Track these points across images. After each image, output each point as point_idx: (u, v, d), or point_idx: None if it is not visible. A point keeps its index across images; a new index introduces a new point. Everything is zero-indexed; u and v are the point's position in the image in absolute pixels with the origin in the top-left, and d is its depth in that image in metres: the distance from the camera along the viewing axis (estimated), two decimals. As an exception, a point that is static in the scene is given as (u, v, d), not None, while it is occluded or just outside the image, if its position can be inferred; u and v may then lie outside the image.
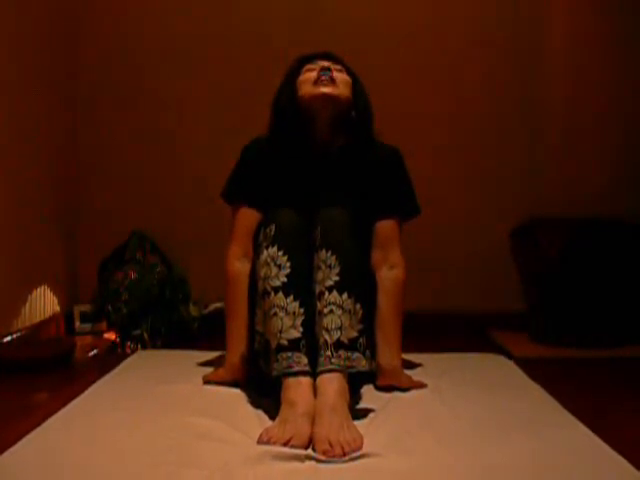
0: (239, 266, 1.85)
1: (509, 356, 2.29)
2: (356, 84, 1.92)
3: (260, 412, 1.61)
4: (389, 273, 1.86)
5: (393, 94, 2.81)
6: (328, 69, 1.85)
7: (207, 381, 1.86)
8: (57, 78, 2.74)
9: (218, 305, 2.48)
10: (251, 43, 2.88)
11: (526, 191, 2.90)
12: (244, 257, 1.85)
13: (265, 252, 1.66)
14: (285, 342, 1.55)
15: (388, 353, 1.80)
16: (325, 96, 1.84)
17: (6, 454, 1.32)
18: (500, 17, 2.91)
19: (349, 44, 2.74)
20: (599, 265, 2.56)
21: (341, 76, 1.88)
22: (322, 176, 1.88)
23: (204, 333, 2.52)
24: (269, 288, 1.62)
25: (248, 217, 1.89)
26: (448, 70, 2.90)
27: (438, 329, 2.70)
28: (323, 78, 1.84)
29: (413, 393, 1.76)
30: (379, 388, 1.80)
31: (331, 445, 1.33)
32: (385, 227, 1.90)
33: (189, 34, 2.91)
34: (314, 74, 1.86)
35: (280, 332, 1.56)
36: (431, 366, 2.05)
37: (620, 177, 2.87)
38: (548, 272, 2.62)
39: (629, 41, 2.88)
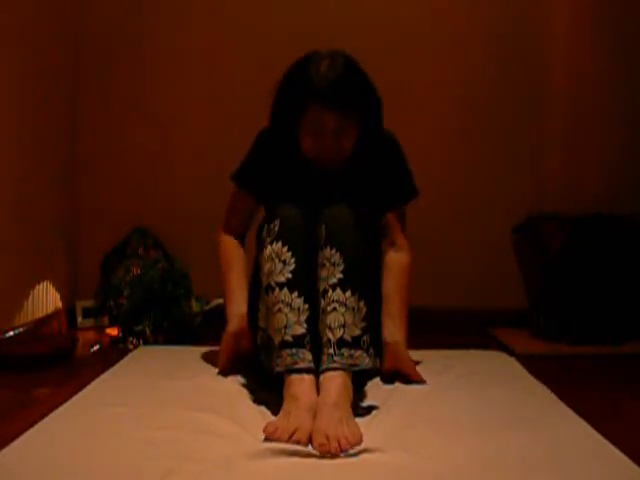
0: (229, 237, 1.97)
1: (510, 353, 2.29)
2: (368, 102, 1.78)
3: (261, 407, 1.61)
4: (395, 255, 1.88)
5: (392, 93, 2.80)
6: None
7: (221, 370, 1.87)
8: (57, 77, 2.74)
9: (220, 301, 2.48)
10: (254, 36, 2.87)
11: (527, 189, 2.89)
12: (234, 230, 1.97)
13: (269, 247, 1.65)
14: (290, 338, 1.54)
15: (391, 326, 1.80)
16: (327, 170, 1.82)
17: (7, 449, 1.32)
18: (502, 14, 2.91)
19: (351, 36, 2.76)
20: (601, 261, 2.56)
21: (345, 145, 1.76)
22: (327, 173, 1.86)
23: (206, 329, 2.52)
24: (273, 283, 1.61)
25: (247, 201, 1.94)
26: (449, 69, 2.90)
27: (439, 326, 2.69)
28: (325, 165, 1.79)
29: (414, 389, 1.76)
30: (384, 375, 1.80)
31: (328, 439, 1.33)
32: (390, 214, 1.91)
33: (191, 30, 2.90)
34: (317, 154, 1.77)
35: (285, 328, 1.56)
36: (432, 362, 2.05)
37: (621, 174, 2.87)
38: (550, 267, 2.62)
39: (631, 40, 2.88)
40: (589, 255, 2.56)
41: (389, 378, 1.81)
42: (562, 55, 2.89)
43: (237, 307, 1.85)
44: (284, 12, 2.88)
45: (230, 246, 1.97)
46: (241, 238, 1.99)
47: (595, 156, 2.89)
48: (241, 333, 1.83)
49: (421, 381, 1.81)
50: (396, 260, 1.87)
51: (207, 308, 2.58)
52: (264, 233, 1.71)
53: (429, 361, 2.05)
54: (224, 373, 1.86)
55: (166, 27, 2.91)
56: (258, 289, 1.73)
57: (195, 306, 2.56)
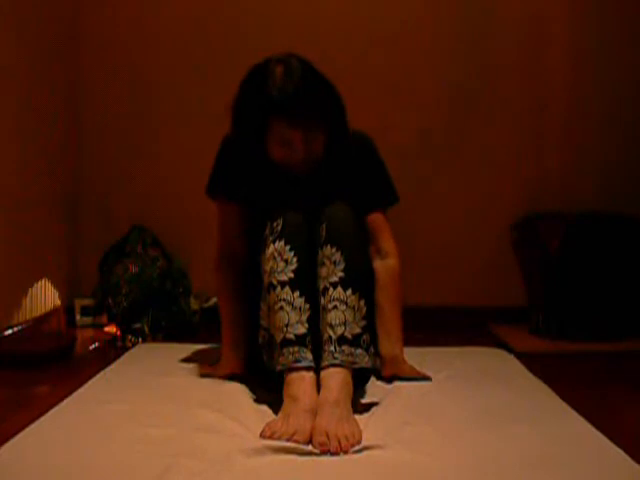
0: (224, 271, 1.89)
1: (510, 350, 2.29)
2: (330, 105, 1.73)
3: (261, 405, 1.61)
4: (382, 263, 1.85)
5: (391, 91, 2.81)
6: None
7: (204, 374, 1.86)
8: (58, 76, 2.74)
9: (219, 299, 2.48)
10: (255, 36, 2.86)
11: (526, 187, 2.90)
12: (230, 257, 1.88)
13: (272, 246, 1.64)
14: (292, 336, 1.54)
15: (387, 343, 1.79)
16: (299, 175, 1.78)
17: (6, 447, 1.32)
18: (502, 14, 2.90)
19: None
20: (600, 259, 2.56)
21: (315, 149, 1.72)
22: (298, 177, 1.78)
23: (205, 326, 2.52)
24: (275, 282, 1.60)
25: (233, 214, 1.87)
26: (449, 68, 2.89)
27: (439, 323, 2.70)
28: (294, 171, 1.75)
29: (414, 386, 1.76)
30: (383, 378, 1.80)
31: (328, 438, 1.33)
32: (372, 219, 1.87)
33: (191, 30, 2.90)
34: (287, 163, 1.72)
35: (286, 326, 1.55)
36: (432, 360, 2.05)
37: (620, 173, 2.87)
38: (549, 265, 2.62)
39: (631, 39, 2.88)
40: (588, 253, 2.56)
41: (389, 380, 1.81)
42: (562, 55, 2.89)
43: (228, 350, 1.85)
44: (284, 13, 2.88)
45: (225, 284, 1.89)
46: (239, 261, 1.87)
47: (594, 155, 2.89)
48: (231, 373, 1.83)
49: (425, 377, 1.82)
50: (384, 269, 1.84)
51: (206, 306, 2.58)
52: (266, 232, 1.69)
53: (428, 358, 2.05)
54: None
55: (167, 27, 2.91)
56: (259, 287, 1.72)
57: (194, 303, 2.56)
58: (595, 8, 2.89)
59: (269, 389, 1.65)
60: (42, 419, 1.49)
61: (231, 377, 1.81)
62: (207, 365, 1.93)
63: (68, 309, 2.75)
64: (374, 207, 1.88)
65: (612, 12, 2.88)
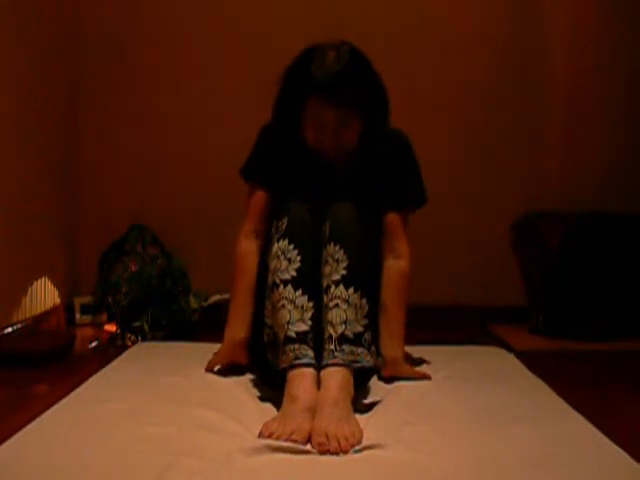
0: (247, 245, 1.84)
1: (509, 349, 2.29)
2: (371, 96, 1.77)
3: (263, 403, 1.61)
4: (394, 263, 1.83)
5: (392, 89, 2.80)
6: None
7: (209, 368, 1.86)
8: (58, 76, 2.74)
9: (219, 297, 2.48)
10: (254, 36, 2.86)
11: (526, 187, 2.90)
12: (254, 235, 1.84)
13: (276, 245, 1.65)
14: (293, 334, 1.54)
15: (390, 344, 1.78)
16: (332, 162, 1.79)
17: (5, 446, 1.32)
18: (503, 14, 2.90)
19: (356, 33, 2.75)
20: (599, 258, 2.56)
21: (348, 138, 1.75)
22: (335, 169, 1.82)
23: (204, 325, 2.51)
24: (278, 281, 1.61)
25: (262, 198, 1.86)
26: (448, 69, 2.89)
27: (439, 323, 2.69)
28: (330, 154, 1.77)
29: (414, 385, 1.76)
30: (382, 379, 1.79)
31: (327, 438, 1.32)
32: (392, 217, 1.86)
33: (191, 31, 2.90)
34: (320, 147, 1.75)
35: (288, 324, 1.55)
36: (432, 359, 2.04)
37: (620, 173, 2.87)
38: (548, 264, 2.62)
39: (631, 40, 2.88)
40: (588, 253, 2.56)
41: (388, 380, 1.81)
42: (562, 55, 2.89)
43: (235, 332, 1.82)
44: (283, 12, 2.87)
45: (243, 261, 1.84)
46: (261, 244, 1.85)
47: (594, 155, 2.89)
48: (234, 359, 1.82)
49: (425, 377, 1.82)
50: (394, 269, 1.82)
51: (206, 304, 2.57)
52: (272, 230, 1.70)
53: (428, 358, 2.05)
54: (212, 371, 1.86)
55: (166, 27, 2.91)
56: (265, 286, 1.71)
57: (193, 302, 2.55)
58: (595, 8, 2.89)
59: (274, 387, 1.64)
60: (41, 418, 1.48)
61: (233, 368, 1.81)
62: (210, 360, 1.91)
63: (68, 307, 2.75)
64: (393, 207, 1.87)
65: (612, 12, 2.89)
